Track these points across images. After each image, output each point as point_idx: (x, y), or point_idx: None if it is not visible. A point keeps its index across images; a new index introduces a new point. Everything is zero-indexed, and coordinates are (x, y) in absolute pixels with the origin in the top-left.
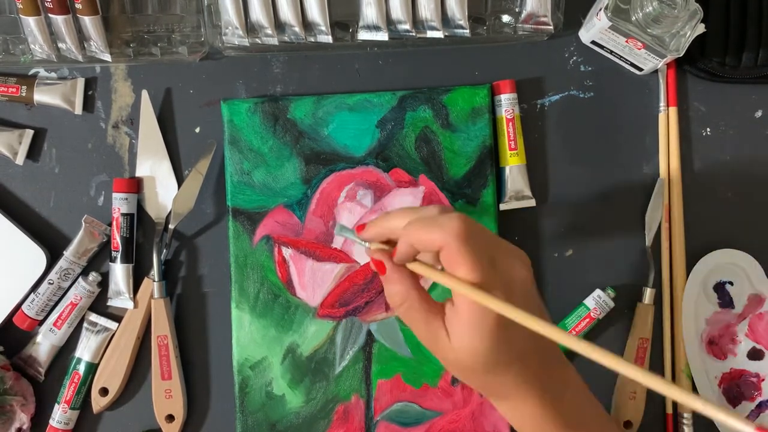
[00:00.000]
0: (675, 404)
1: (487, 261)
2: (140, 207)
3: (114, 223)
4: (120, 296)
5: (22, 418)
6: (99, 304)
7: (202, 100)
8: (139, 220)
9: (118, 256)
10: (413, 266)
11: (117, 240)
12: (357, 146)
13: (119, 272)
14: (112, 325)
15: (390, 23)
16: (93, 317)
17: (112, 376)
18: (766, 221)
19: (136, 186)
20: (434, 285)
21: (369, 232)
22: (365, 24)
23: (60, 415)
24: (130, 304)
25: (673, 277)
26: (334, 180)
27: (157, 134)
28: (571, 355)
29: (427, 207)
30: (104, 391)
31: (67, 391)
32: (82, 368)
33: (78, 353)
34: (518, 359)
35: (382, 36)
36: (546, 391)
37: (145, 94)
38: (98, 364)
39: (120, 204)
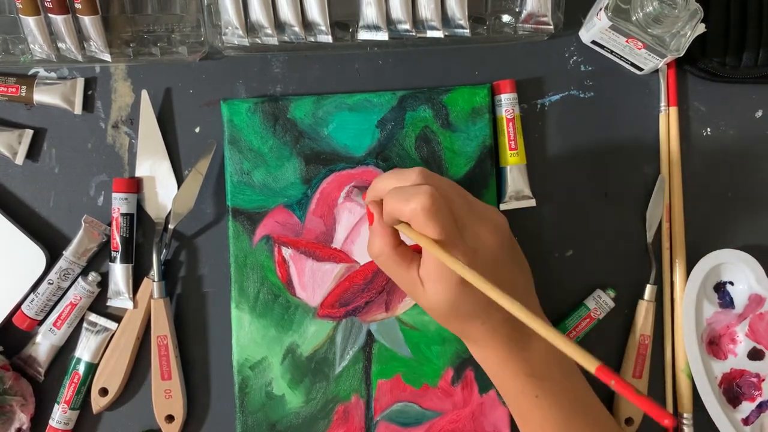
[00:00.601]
0: (675, 404)
1: (453, 231)
2: (140, 207)
3: (113, 223)
4: (120, 296)
5: (22, 418)
6: (99, 304)
7: (202, 100)
8: (138, 220)
9: (118, 256)
10: (403, 228)
11: (116, 240)
12: (357, 146)
13: (119, 272)
14: (112, 325)
15: (390, 23)
16: (93, 317)
17: (111, 376)
18: (766, 221)
19: (135, 186)
20: None
21: (367, 196)
22: (365, 24)
23: (60, 415)
24: (129, 305)
25: (673, 277)
26: (334, 180)
27: (157, 134)
28: None
29: (407, 171)
30: (104, 392)
31: (67, 391)
32: (81, 368)
33: (78, 353)
34: (483, 311)
35: (382, 36)
36: (511, 340)
37: (144, 93)
38: (98, 364)
39: (120, 204)
